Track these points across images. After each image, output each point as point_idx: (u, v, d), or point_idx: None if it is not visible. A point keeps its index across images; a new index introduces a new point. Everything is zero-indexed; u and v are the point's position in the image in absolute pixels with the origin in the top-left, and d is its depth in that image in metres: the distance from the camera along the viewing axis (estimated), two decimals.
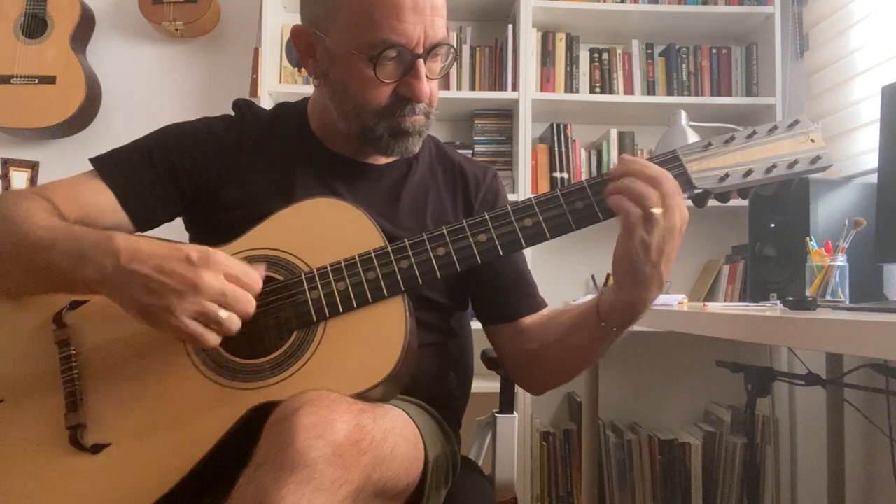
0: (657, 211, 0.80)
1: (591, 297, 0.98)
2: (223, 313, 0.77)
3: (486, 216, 0.88)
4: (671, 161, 0.87)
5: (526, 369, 1.09)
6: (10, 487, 0.82)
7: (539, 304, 1.10)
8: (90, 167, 1.01)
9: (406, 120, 0.98)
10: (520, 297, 1.09)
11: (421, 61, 0.94)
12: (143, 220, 1.01)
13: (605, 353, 0.99)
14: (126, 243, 0.80)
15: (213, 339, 0.79)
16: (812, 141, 0.87)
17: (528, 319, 1.08)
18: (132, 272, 0.77)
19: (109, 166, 1.01)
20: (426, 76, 0.95)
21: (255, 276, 0.81)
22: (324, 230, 0.90)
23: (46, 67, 2.40)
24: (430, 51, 0.95)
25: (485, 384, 1.51)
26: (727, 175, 0.87)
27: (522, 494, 2.30)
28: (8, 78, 2.38)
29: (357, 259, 0.87)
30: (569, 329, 0.98)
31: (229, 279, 0.78)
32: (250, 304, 0.79)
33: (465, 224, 0.88)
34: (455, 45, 0.96)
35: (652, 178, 0.81)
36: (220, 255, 0.79)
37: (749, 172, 0.87)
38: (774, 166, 0.87)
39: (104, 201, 0.98)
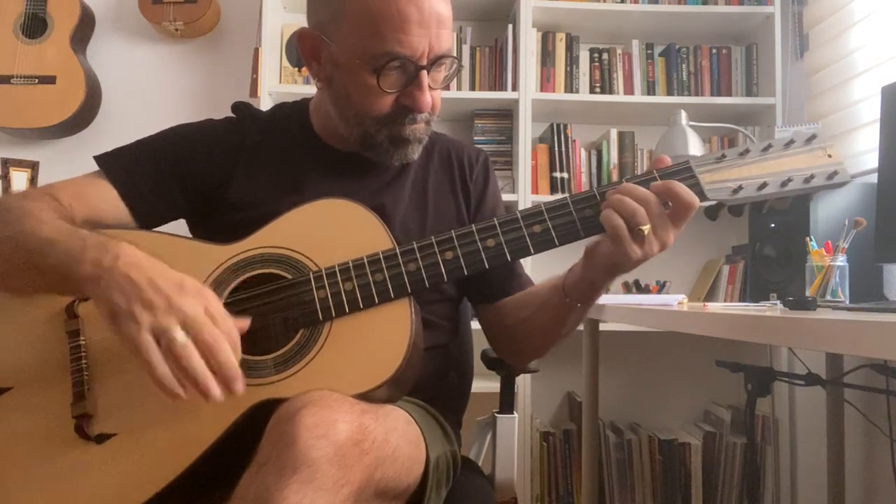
0: (646, 228, 0.81)
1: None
2: (181, 337, 0.73)
3: (496, 221, 0.89)
4: (684, 171, 0.87)
5: (505, 343, 1.14)
6: (15, 474, 0.82)
7: (525, 283, 1.13)
8: (91, 167, 1.02)
9: (406, 128, 0.99)
10: (508, 278, 1.11)
11: (424, 73, 0.94)
12: (146, 217, 1.02)
13: (575, 327, 1.03)
14: (129, 252, 0.79)
15: (157, 359, 0.73)
16: (829, 156, 0.87)
17: (507, 297, 1.11)
18: (125, 276, 0.76)
19: (113, 164, 1.02)
20: (429, 86, 0.96)
21: (233, 327, 0.78)
22: (333, 230, 0.91)
23: (46, 67, 2.40)
24: (435, 62, 0.95)
25: (485, 384, 1.51)
26: (741, 188, 0.86)
27: (522, 494, 2.30)
28: (8, 78, 2.38)
29: (365, 260, 0.87)
30: (538, 306, 1.03)
31: (208, 314, 0.76)
32: (217, 343, 0.74)
33: (473, 229, 0.89)
34: (458, 56, 0.96)
35: (641, 198, 0.83)
36: (213, 294, 0.78)
37: (763, 186, 0.86)
38: (790, 180, 0.86)
39: (108, 199, 0.99)
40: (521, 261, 1.11)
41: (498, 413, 1.23)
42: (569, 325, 1.02)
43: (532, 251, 0.88)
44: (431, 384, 1.03)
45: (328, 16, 0.97)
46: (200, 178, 1.03)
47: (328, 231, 0.91)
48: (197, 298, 0.76)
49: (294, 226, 0.91)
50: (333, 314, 0.85)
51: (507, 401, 1.24)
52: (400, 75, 0.95)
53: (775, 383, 1.98)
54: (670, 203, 0.83)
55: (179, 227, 1.06)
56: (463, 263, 0.88)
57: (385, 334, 0.85)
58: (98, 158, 1.02)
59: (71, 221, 0.89)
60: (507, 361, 1.19)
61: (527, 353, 1.12)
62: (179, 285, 0.76)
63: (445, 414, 1.06)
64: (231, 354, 0.76)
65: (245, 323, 0.81)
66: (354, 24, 0.93)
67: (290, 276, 0.88)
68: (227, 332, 0.76)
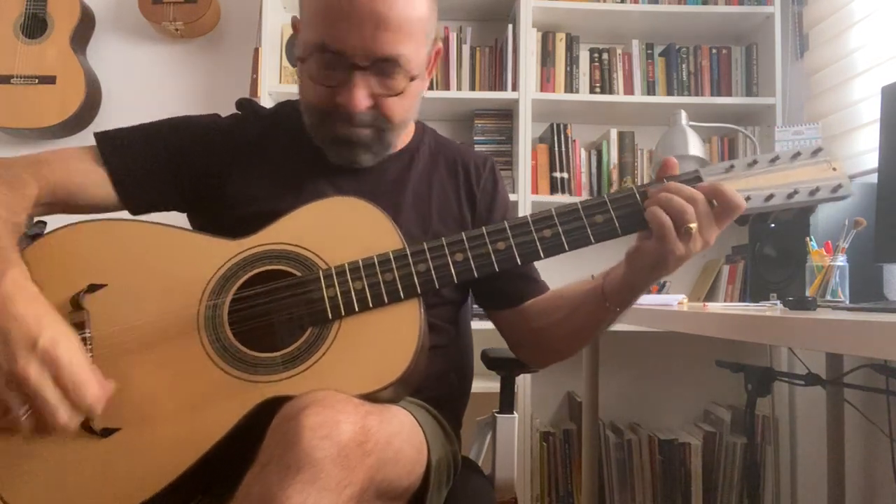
0: (693, 226, 0.82)
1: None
2: (20, 412, 0.73)
3: (506, 225, 0.89)
4: (693, 181, 0.88)
5: (530, 347, 1.11)
6: (19, 467, 0.82)
7: (541, 287, 1.11)
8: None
9: (339, 128, 0.98)
10: (524, 282, 1.10)
11: (358, 72, 0.93)
12: (133, 200, 1.02)
13: (605, 330, 1.02)
14: (8, 290, 0.76)
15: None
16: (834, 169, 0.88)
17: (531, 300, 1.09)
18: None
19: (108, 142, 1.02)
20: (378, 92, 0.95)
21: (88, 393, 0.75)
22: (343, 229, 0.91)
23: (46, 67, 2.40)
24: (375, 64, 0.93)
25: (485, 384, 1.51)
26: (748, 198, 0.87)
27: (522, 494, 2.30)
28: (8, 78, 2.38)
29: (375, 260, 0.87)
30: (573, 309, 1.01)
31: (57, 384, 0.74)
32: (56, 417, 0.74)
33: (484, 231, 0.89)
34: (410, 68, 0.95)
35: (689, 197, 0.83)
36: (65, 354, 0.74)
37: (770, 197, 0.87)
38: (796, 192, 0.87)
39: (96, 178, 0.99)
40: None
41: (498, 413, 1.23)
42: (602, 329, 1.01)
43: (542, 255, 0.88)
44: (432, 384, 1.03)
45: (300, 5, 1.00)
46: (196, 170, 1.03)
47: (338, 229, 0.91)
48: (44, 365, 0.73)
49: (304, 223, 0.91)
50: (342, 313, 0.85)
51: (507, 401, 1.24)
52: (332, 70, 0.95)
53: (775, 383, 1.98)
54: (716, 202, 0.84)
55: (183, 221, 1.06)
56: (473, 265, 0.88)
57: (394, 334, 0.85)
58: (97, 135, 1.03)
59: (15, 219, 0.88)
60: (528, 364, 1.18)
61: (552, 356, 1.11)
62: (30, 343, 0.73)
63: (445, 414, 1.06)
64: (70, 418, 0.75)
65: (110, 388, 0.79)
66: (305, 14, 0.97)
67: (299, 274, 0.88)
68: (80, 403, 0.75)
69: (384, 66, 0.94)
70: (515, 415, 1.22)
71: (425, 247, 0.88)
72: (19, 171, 0.94)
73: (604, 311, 0.96)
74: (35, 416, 0.74)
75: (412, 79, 0.96)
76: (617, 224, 0.87)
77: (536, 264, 1.13)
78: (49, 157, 0.98)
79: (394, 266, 0.87)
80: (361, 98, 0.95)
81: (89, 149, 1.01)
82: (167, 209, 1.05)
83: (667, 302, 1.49)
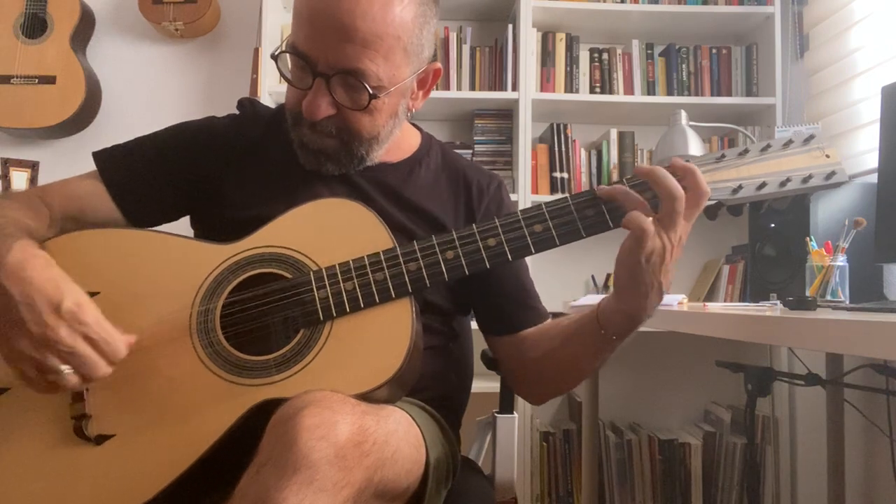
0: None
1: (591, 296, 0.99)
2: (63, 369, 0.77)
3: (497, 221, 0.89)
4: None
5: (526, 378, 1.09)
6: (14, 475, 0.82)
7: (541, 315, 1.09)
8: (91, 166, 1.04)
9: (305, 133, 0.98)
10: (522, 308, 1.08)
11: (320, 79, 0.92)
12: (136, 217, 1.02)
13: (604, 362, 0.98)
14: (18, 257, 0.79)
15: (37, 386, 0.79)
16: (827, 156, 0.88)
17: (529, 329, 1.07)
18: (2, 287, 0.77)
19: (106, 161, 1.03)
20: (339, 102, 0.94)
21: (118, 347, 0.80)
22: (334, 230, 0.91)
23: (46, 67, 2.40)
24: (338, 75, 0.92)
25: (485, 384, 1.51)
26: (740, 187, 0.87)
27: (522, 494, 2.30)
28: (8, 78, 2.38)
29: (366, 260, 0.87)
30: (569, 336, 0.99)
31: (88, 342, 0.78)
32: (97, 370, 0.78)
33: (475, 229, 0.88)
34: (372, 87, 0.91)
35: (675, 200, 0.82)
36: (91, 314, 0.78)
37: (763, 185, 0.87)
38: (789, 180, 0.87)
39: (98, 196, 1.01)
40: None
41: (498, 413, 1.22)
42: (600, 361, 0.98)
43: (533, 250, 0.88)
44: (431, 384, 1.02)
45: None
46: (192, 176, 1.04)
47: (328, 230, 0.91)
48: (73, 326, 0.77)
49: (294, 225, 0.91)
50: (334, 314, 0.85)
51: (507, 401, 1.23)
52: (301, 73, 0.94)
53: (775, 383, 1.98)
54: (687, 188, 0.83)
55: (184, 226, 1.06)
56: (464, 263, 0.88)
57: (386, 334, 0.85)
58: (95, 155, 1.04)
59: (34, 225, 0.91)
60: (525, 398, 1.16)
61: (549, 390, 1.08)
62: (55, 306, 0.77)
63: (445, 414, 1.05)
64: (107, 368, 0.80)
65: (131, 339, 0.83)
66: (293, 11, 0.97)
67: (290, 276, 0.88)
68: (111, 355, 0.79)
69: (347, 79, 0.93)
70: (515, 415, 1.22)
71: (416, 246, 0.88)
72: (27, 195, 0.98)
73: (601, 340, 0.93)
74: (78, 372, 0.78)
75: (376, 96, 0.93)
76: (608, 217, 0.87)
77: (538, 272, 1.13)
78: (52, 184, 1.01)
79: (384, 266, 0.87)
80: (319, 106, 0.94)
81: (90, 171, 1.03)
82: (170, 219, 1.06)
83: (667, 302, 1.48)
